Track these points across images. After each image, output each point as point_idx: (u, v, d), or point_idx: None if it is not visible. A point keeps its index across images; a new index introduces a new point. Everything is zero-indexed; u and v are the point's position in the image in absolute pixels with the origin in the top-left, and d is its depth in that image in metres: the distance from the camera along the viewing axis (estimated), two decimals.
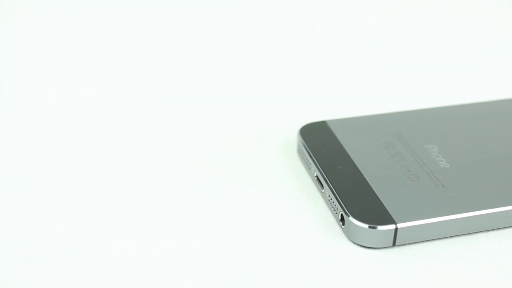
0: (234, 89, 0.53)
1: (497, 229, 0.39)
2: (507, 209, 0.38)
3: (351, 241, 0.38)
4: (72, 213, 0.39)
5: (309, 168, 0.42)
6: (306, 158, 0.42)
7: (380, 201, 0.38)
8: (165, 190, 0.41)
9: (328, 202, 0.40)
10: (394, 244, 0.37)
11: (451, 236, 0.38)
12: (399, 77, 0.55)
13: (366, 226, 0.37)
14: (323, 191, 0.40)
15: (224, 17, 0.62)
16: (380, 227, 0.36)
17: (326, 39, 0.60)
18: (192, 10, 0.62)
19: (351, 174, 0.40)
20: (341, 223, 0.38)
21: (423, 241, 0.38)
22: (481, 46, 0.59)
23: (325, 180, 0.40)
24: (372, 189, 0.39)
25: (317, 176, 0.41)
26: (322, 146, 0.43)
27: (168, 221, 0.39)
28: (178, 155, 0.45)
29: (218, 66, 0.56)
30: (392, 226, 0.36)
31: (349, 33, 0.60)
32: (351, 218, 0.37)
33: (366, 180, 0.39)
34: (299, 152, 0.44)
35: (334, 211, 0.39)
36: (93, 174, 0.43)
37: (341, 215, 0.38)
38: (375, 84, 0.54)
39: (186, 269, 0.36)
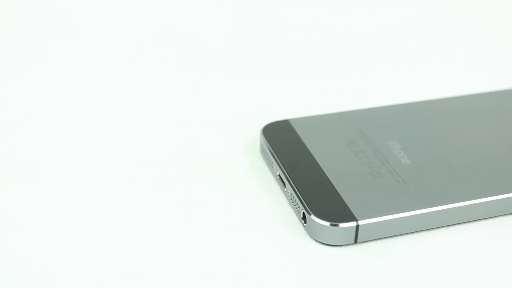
0: (198, 89, 0.53)
1: (457, 224, 0.39)
2: (466, 204, 0.38)
3: (313, 239, 0.38)
4: (30, 217, 0.39)
5: (272, 167, 0.42)
6: (269, 157, 0.42)
7: (342, 198, 0.38)
8: (128, 189, 0.41)
9: (290, 200, 0.40)
10: (355, 241, 0.37)
11: (412, 232, 0.38)
12: (361, 74, 0.55)
13: (327, 223, 0.37)
14: (285, 189, 0.40)
15: (188, 17, 0.61)
16: (341, 225, 0.36)
17: (289, 38, 0.60)
18: (158, 11, 0.61)
19: (313, 172, 0.40)
20: (303, 222, 0.38)
21: (385, 238, 0.38)
22: (442, 43, 0.60)
23: (287, 179, 0.40)
24: (333, 186, 0.39)
25: (279, 175, 0.41)
26: (285, 145, 0.43)
27: (131, 221, 0.39)
28: (141, 154, 0.44)
29: (181, 66, 0.55)
30: (353, 223, 0.37)
31: (313, 32, 0.60)
32: (313, 216, 0.37)
33: (328, 178, 0.39)
34: (262, 151, 0.44)
35: (296, 210, 0.39)
36: (58, 175, 0.42)
37: (303, 213, 0.38)
38: (338, 82, 0.54)
39: (147, 268, 0.36)
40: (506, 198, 0.39)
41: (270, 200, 0.41)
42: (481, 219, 0.39)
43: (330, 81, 0.54)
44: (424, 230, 0.38)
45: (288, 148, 0.42)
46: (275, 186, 0.42)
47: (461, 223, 0.39)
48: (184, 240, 0.38)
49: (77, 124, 0.48)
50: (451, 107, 0.47)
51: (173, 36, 0.59)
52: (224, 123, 0.48)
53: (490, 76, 0.55)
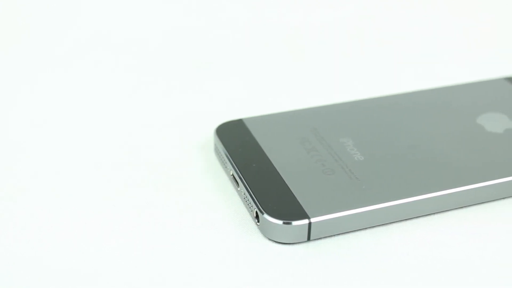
0: (152, 91, 0.52)
1: (410, 218, 0.39)
2: (418, 198, 0.38)
3: (267, 238, 0.38)
4: None
5: (225, 167, 0.42)
6: (222, 157, 0.42)
7: (295, 196, 0.38)
8: (85, 192, 0.41)
9: (244, 200, 0.40)
10: (309, 239, 0.37)
11: (366, 228, 0.38)
12: (315, 72, 0.55)
13: (279, 222, 0.37)
14: (238, 189, 0.40)
15: (135, 19, 0.61)
16: (293, 223, 0.36)
17: (240, 37, 0.59)
18: (103, 14, 0.61)
19: (266, 171, 0.40)
20: (256, 221, 0.38)
21: (338, 234, 0.38)
22: (389, 40, 0.60)
23: (240, 178, 0.40)
24: (286, 185, 0.39)
25: (232, 175, 0.41)
26: (238, 144, 0.42)
27: (85, 224, 0.38)
28: (94, 156, 0.44)
29: (135, 68, 0.55)
30: (306, 221, 0.37)
31: (264, 30, 0.60)
32: (265, 215, 0.37)
33: (281, 177, 0.39)
34: (216, 151, 0.44)
35: (249, 209, 0.39)
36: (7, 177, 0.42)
37: (256, 212, 0.38)
38: (291, 80, 0.54)
39: (101, 269, 0.35)
40: (457, 191, 0.39)
41: (224, 200, 0.41)
42: (434, 213, 0.40)
43: (283, 79, 0.54)
44: (378, 225, 0.39)
45: (241, 147, 0.42)
46: (229, 186, 0.42)
47: (414, 217, 0.39)
48: (138, 241, 0.37)
49: (22, 129, 0.47)
50: (404, 102, 0.47)
51: (121, 39, 0.59)
52: (179, 125, 0.48)
53: (443, 71, 0.56)
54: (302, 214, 0.37)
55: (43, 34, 0.59)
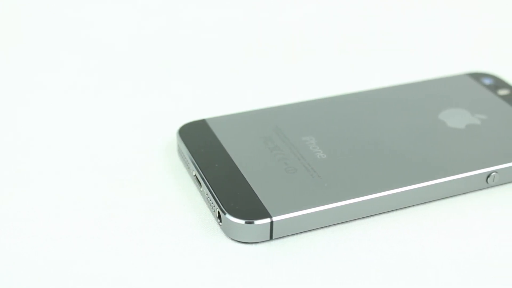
0: (114, 93, 0.52)
1: (372, 215, 0.39)
2: (380, 195, 0.39)
3: (230, 238, 0.38)
4: None
5: (188, 168, 0.42)
6: (185, 158, 0.42)
7: (257, 196, 0.38)
8: (46, 195, 0.41)
9: (206, 200, 0.39)
10: (271, 238, 0.37)
11: (328, 226, 0.38)
12: (277, 71, 0.55)
13: (241, 222, 0.37)
14: (201, 189, 0.40)
15: (97, 20, 0.61)
16: (255, 222, 0.36)
17: (202, 38, 0.59)
18: (65, 15, 0.61)
19: (228, 171, 0.40)
20: (218, 221, 0.38)
21: (301, 232, 0.38)
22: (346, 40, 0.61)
23: (202, 179, 0.40)
24: (249, 184, 0.39)
25: (195, 175, 0.41)
26: (201, 145, 0.42)
27: (49, 225, 0.38)
28: (56, 159, 0.44)
29: (97, 70, 0.55)
30: (267, 220, 0.37)
31: (226, 30, 0.60)
32: (227, 215, 0.37)
33: (243, 176, 0.39)
34: (179, 152, 0.44)
35: (212, 209, 0.39)
36: None
37: (218, 212, 0.38)
38: (254, 79, 0.54)
39: (62, 271, 0.35)
40: (418, 187, 0.39)
41: (187, 201, 0.40)
42: (396, 210, 0.40)
43: (246, 79, 0.54)
44: (340, 223, 0.39)
45: (204, 148, 0.42)
46: (193, 186, 0.42)
47: (377, 214, 0.39)
48: (101, 243, 0.37)
49: None
50: (367, 100, 0.47)
51: (83, 41, 0.59)
52: (142, 126, 0.48)
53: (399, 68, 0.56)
54: (264, 213, 0.37)
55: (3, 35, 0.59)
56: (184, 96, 0.52)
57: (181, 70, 0.55)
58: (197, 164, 0.41)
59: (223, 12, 0.61)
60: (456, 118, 0.45)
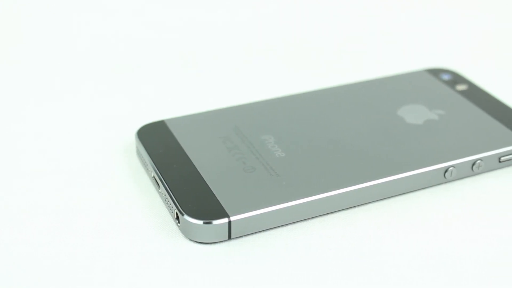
0: (73, 95, 0.52)
1: (332, 212, 0.39)
2: (338, 192, 0.39)
3: (188, 238, 0.37)
4: None
5: (147, 169, 0.42)
6: (144, 159, 0.42)
7: (215, 196, 0.38)
8: (3, 198, 0.40)
9: (165, 201, 0.39)
10: (230, 237, 0.37)
11: (287, 224, 0.38)
12: (234, 71, 0.55)
13: (199, 222, 0.36)
14: (160, 191, 0.40)
15: (57, 20, 0.60)
16: (213, 222, 0.36)
17: (160, 39, 0.59)
18: (26, 16, 0.60)
19: (186, 172, 0.40)
20: (177, 222, 0.38)
21: (260, 231, 0.38)
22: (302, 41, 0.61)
23: (160, 180, 0.39)
24: (207, 185, 0.39)
25: (154, 177, 0.40)
26: (159, 146, 0.42)
27: (6, 227, 0.38)
28: (15, 162, 0.43)
29: (56, 73, 0.54)
30: (225, 220, 0.36)
31: (185, 32, 0.60)
32: (185, 216, 0.37)
33: (201, 177, 0.39)
34: (138, 154, 0.43)
35: (170, 210, 0.39)
36: None
37: (176, 213, 0.37)
38: (213, 79, 0.54)
39: (21, 274, 0.35)
40: (377, 183, 0.40)
41: (146, 202, 0.40)
42: (356, 206, 0.40)
43: (204, 79, 0.54)
44: (299, 221, 0.39)
45: (162, 149, 0.42)
46: (152, 188, 0.41)
47: (336, 211, 0.40)
48: (59, 245, 0.37)
49: None
50: (326, 97, 0.48)
51: (44, 42, 0.58)
52: (101, 128, 0.48)
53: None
54: (221, 213, 0.37)
55: None
56: (143, 97, 0.51)
57: (140, 71, 0.55)
58: (155, 165, 0.40)
59: (181, 12, 0.61)
60: (415, 114, 0.46)
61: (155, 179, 0.40)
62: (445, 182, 0.42)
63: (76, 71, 0.55)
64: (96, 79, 0.54)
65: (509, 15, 0.62)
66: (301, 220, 0.39)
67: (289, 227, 0.38)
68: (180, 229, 0.38)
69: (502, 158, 0.43)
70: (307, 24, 0.61)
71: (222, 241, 0.37)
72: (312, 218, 0.39)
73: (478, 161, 0.42)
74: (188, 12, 0.60)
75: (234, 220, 0.37)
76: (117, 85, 0.53)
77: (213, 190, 0.38)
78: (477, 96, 0.48)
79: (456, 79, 0.50)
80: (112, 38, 0.58)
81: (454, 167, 0.41)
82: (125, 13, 0.60)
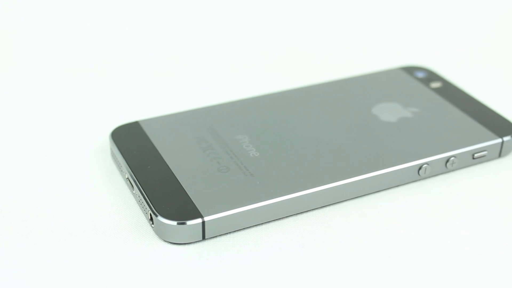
0: (47, 96, 0.51)
1: (306, 211, 0.39)
2: (312, 191, 0.39)
3: (162, 239, 0.37)
4: None
5: (121, 170, 0.42)
6: (118, 160, 0.42)
7: (188, 196, 0.38)
8: None
9: (139, 202, 0.39)
10: (204, 238, 0.37)
11: (261, 224, 0.38)
12: (210, 71, 0.55)
13: (172, 223, 0.36)
14: (134, 192, 0.40)
15: (30, 21, 0.60)
16: (186, 223, 0.36)
17: (135, 39, 0.59)
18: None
19: (160, 173, 0.40)
20: (151, 223, 0.38)
21: (234, 231, 0.38)
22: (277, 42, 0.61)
23: (134, 181, 0.39)
24: (181, 185, 0.39)
25: (128, 178, 0.40)
26: (134, 147, 0.42)
27: None
28: None
29: (29, 73, 0.54)
30: (199, 220, 0.36)
31: (159, 32, 0.60)
32: (159, 217, 0.37)
33: (175, 177, 0.39)
34: (112, 155, 0.43)
35: (144, 211, 0.39)
36: None
37: (150, 214, 0.37)
38: (189, 79, 0.54)
39: None
40: (351, 182, 0.40)
41: (120, 204, 0.40)
42: (330, 205, 0.40)
43: (179, 79, 0.54)
44: (274, 220, 0.39)
45: (137, 150, 0.42)
46: (126, 189, 0.41)
47: (310, 210, 0.40)
48: (34, 247, 0.37)
49: None
50: (301, 97, 0.48)
51: (15, 44, 0.58)
52: (76, 129, 0.47)
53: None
54: (195, 214, 0.37)
55: None
56: (118, 98, 0.51)
57: (114, 72, 0.55)
58: (129, 166, 0.40)
59: (154, 13, 0.61)
60: (389, 112, 0.46)
61: (129, 181, 0.40)
62: (419, 179, 0.42)
63: (50, 72, 0.54)
64: (69, 80, 0.53)
65: (483, 13, 0.62)
66: (275, 220, 0.39)
67: (263, 226, 0.38)
68: (154, 230, 0.38)
69: (476, 155, 0.43)
70: (279, 23, 0.61)
71: (196, 242, 0.37)
72: (286, 217, 0.39)
73: (452, 158, 0.42)
74: (161, 13, 0.60)
75: (208, 221, 0.37)
76: (91, 86, 0.53)
77: (187, 191, 0.38)
78: (451, 94, 0.48)
79: (430, 76, 0.50)
80: (86, 39, 0.58)
81: (428, 164, 0.42)
82: (98, 13, 0.60)
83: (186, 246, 0.37)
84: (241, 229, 0.38)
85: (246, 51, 0.58)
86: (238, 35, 0.59)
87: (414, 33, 0.61)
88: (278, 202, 0.38)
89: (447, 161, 0.42)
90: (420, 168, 0.41)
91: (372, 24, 0.62)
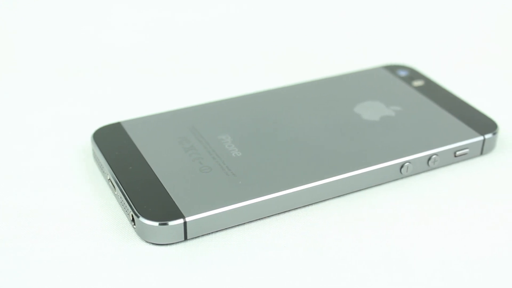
0: (29, 97, 0.51)
1: (288, 211, 0.39)
2: (294, 190, 0.39)
3: (144, 240, 0.37)
4: None
5: (103, 172, 0.41)
6: (100, 162, 0.42)
7: (170, 197, 0.38)
8: None
9: (121, 204, 0.39)
10: (186, 238, 0.37)
11: (243, 223, 0.38)
12: (191, 71, 0.55)
13: (154, 224, 0.36)
14: (115, 193, 0.40)
15: (10, 23, 0.60)
16: (168, 223, 0.36)
17: (116, 40, 0.59)
18: None
19: (142, 174, 0.40)
20: (133, 224, 0.38)
21: (216, 231, 0.38)
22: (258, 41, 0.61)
23: (116, 182, 0.39)
24: (163, 186, 0.38)
25: (109, 179, 0.40)
26: (115, 148, 0.42)
27: None
28: None
29: (10, 74, 0.54)
30: (181, 221, 0.36)
31: (140, 33, 0.60)
32: (140, 218, 0.37)
33: (157, 178, 0.39)
34: (94, 156, 0.43)
35: (126, 213, 0.38)
36: None
37: (132, 215, 0.37)
38: (171, 80, 0.54)
39: None
40: (334, 180, 0.40)
41: (102, 205, 0.40)
42: (312, 204, 0.40)
43: (161, 80, 0.54)
44: (256, 220, 0.39)
45: (118, 151, 0.42)
46: (108, 191, 0.41)
47: (293, 209, 0.40)
48: (15, 248, 0.37)
49: None
50: (284, 96, 0.48)
51: None
52: (58, 130, 0.47)
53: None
54: (176, 214, 0.37)
55: None
56: (101, 99, 0.51)
57: (96, 73, 0.54)
58: (110, 167, 0.40)
59: (135, 14, 0.60)
60: (371, 111, 0.46)
61: (111, 182, 0.40)
62: (401, 178, 0.42)
63: (31, 74, 0.54)
64: (51, 81, 0.53)
65: (466, 12, 0.62)
66: (258, 219, 0.39)
67: (246, 226, 0.38)
68: (136, 231, 0.38)
69: (458, 153, 0.43)
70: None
71: (178, 242, 0.37)
72: (268, 217, 0.39)
73: (434, 156, 0.42)
74: (142, 14, 0.60)
75: (189, 221, 0.37)
76: (73, 87, 0.53)
77: (168, 191, 0.38)
78: (434, 92, 0.48)
79: (412, 75, 0.51)
80: (68, 40, 0.58)
81: (410, 162, 0.42)
82: (80, 14, 0.60)
83: (168, 246, 0.37)
84: (224, 229, 0.38)
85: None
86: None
87: (396, 31, 0.61)
88: (260, 201, 0.38)
89: (429, 159, 0.42)
90: (402, 167, 0.42)
91: (355, 23, 0.62)
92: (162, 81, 0.54)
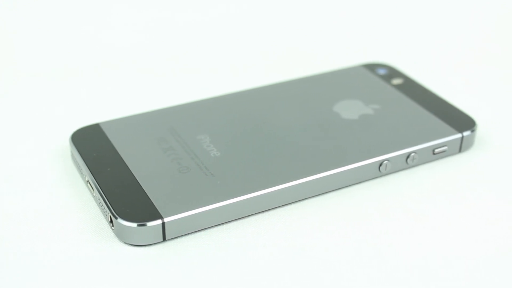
0: (6, 98, 0.51)
1: (267, 210, 0.39)
2: (273, 189, 0.39)
3: (122, 241, 0.37)
4: None
5: (82, 173, 0.41)
6: (78, 163, 0.42)
7: (148, 198, 0.38)
8: None
9: (99, 205, 0.39)
10: (164, 239, 0.37)
11: (222, 224, 0.38)
12: (170, 72, 0.55)
13: (132, 225, 0.36)
14: (94, 194, 0.39)
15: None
16: (147, 224, 0.36)
17: (94, 41, 0.58)
18: None
19: (121, 175, 0.39)
20: (111, 225, 0.37)
21: (195, 232, 0.38)
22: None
23: (94, 183, 0.39)
24: (141, 187, 0.38)
25: (88, 180, 0.40)
26: (94, 149, 0.42)
27: None
28: None
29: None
30: (159, 221, 0.36)
31: (118, 34, 0.60)
32: (118, 219, 0.36)
33: (135, 179, 0.39)
34: (73, 158, 0.43)
35: (104, 214, 0.38)
36: None
37: (110, 217, 0.37)
38: (149, 81, 0.54)
39: None
40: (312, 179, 0.40)
41: (80, 207, 0.40)
42: (291, 203, 0.40)
43: (140, 81, 0.54)
44: (235, 220, 0.39)
45: (97, 152, 0.41)
46: (86, 192, 0.41)
47: (272, 209, 0.40)
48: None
49: None
50: (263, 96, 0.48)
51: None
52: (37, 132, 0.47)
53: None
54: (154, 215, 0.36)
55: None
56: (79, 100, 0.51)
57: (74, 74, 0.54)
58: (88, 169, 0.40)
59: (114, 14, 0.60)
60: (350, 109, 0.46)
61: (89, 183, 0.40)
62: (380, 176, 0.42)
63: (8, 74, 0.54)
64: (29, 82, 0.53)
65: (444, 10, 0.62)
66: (237, 219, 0.39)
67: (225, 226, 0.38)
68: (114, 232, 0.37)
69: (436, 150, 0.43)
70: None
71: (157, 243, 0.37)
72: (247, 216, 0.39)
73: (412, 154, 0.42)
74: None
75: (168, 221, 0.36)
76: (51, 88, 0.52)
77: (147, 192, 0.38)
78: (412, 90, 0.49)
79: (391, 73, 0.51)
80: (47, 41, 0.57)
81: (388, 160, 0.42)
82: (59, 15, 0.59)
83: (146, 247, 0.37)
84: (202, 229, 0.38)
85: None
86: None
87: (375, 30, 0.61)
88: (239, 201, 0.38)
89: (408, 157, 0.42)
90: (380, 165, 0.42)
91: (334, 22, 0.62)
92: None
